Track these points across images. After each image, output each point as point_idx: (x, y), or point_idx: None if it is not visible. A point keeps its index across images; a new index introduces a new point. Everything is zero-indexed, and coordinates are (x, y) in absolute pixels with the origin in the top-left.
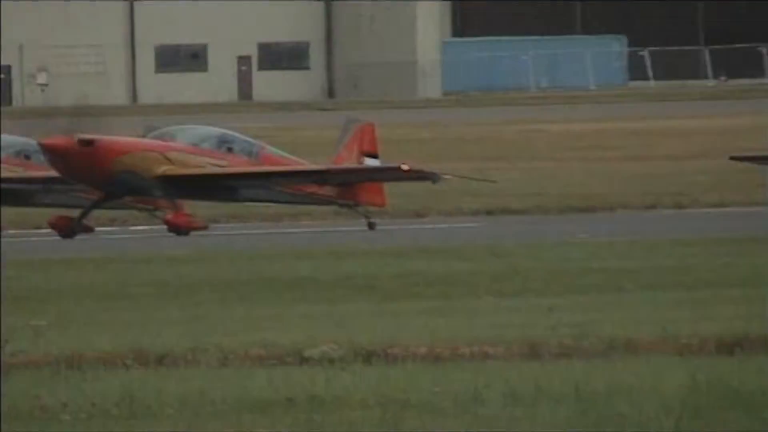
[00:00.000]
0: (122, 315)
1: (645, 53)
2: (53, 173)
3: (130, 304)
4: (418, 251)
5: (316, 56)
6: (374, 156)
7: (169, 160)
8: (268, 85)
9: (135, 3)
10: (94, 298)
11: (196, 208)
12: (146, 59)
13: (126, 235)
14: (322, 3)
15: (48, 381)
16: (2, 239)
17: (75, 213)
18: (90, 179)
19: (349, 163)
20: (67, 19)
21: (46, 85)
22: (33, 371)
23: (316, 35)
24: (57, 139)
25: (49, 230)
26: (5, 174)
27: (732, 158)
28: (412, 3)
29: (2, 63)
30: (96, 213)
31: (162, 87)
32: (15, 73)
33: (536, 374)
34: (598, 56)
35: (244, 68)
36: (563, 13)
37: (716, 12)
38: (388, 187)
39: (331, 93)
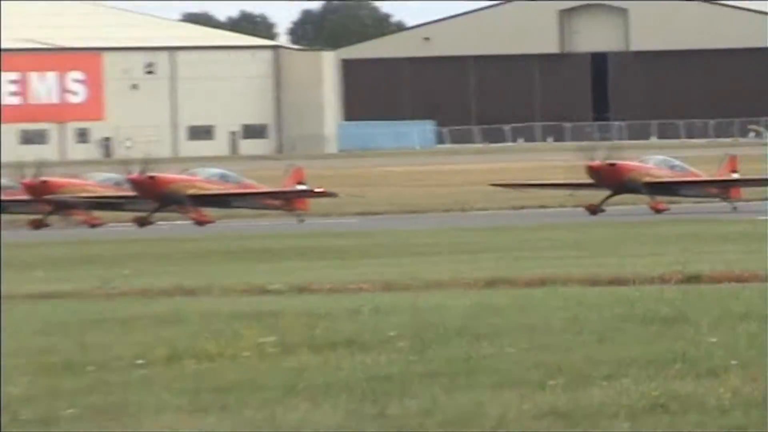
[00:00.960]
0: (167, 268)
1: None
2: (134, 193)
3: (177, 262)
4: (321, 234)
5: (272, 131)
6: (302, 183)
7: (195, 186)
8: (247, 146)
9: (178, 103)
10: (155, 259)
11: (208, 212)
12: (182, 134)
13: (173, 225)
14: (273, 103)
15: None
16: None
17: (145, 214)
18: (152, 197)
19: (289, 188)
20: (140, 112)
21: (130, 147)
22: (125, 298)
23: (271, 120)
24: (136, 176)
25: (131, 224)
26: (108, 194)
27: (491, 185)
28: (322, 104)
29: (108, 135)
30: (159, 214)
31: (190, 148)
32: (114, 140)
33: None
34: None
35: (234, 137)
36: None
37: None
38: (310, 201)
39: (279, 150)
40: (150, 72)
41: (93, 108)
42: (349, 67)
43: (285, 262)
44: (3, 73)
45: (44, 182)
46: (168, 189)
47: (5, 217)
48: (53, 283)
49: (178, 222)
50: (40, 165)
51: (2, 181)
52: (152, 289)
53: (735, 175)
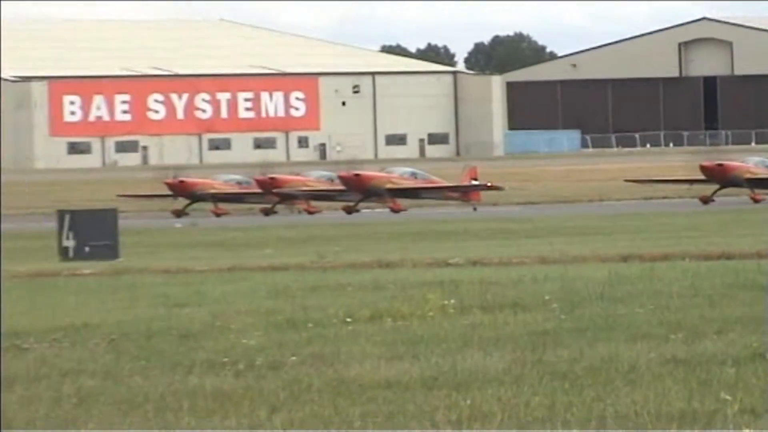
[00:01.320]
0: (382, 246)
1: (588, 137)
2: (343, 187)
3: (377, 241)
4: (500, 219)
5: (452, 138)
6: (476, 180)
7: (392, 182)
8: (431, 151)
9: (378, 118)
10: (363, 239)
11: (402, 202)
12: (381, 141)
13: (372, 212)
14: (453, 116)
15: (344, 273)
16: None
17: (352, 203)
18: (358, 190)
19: (466, 183)
20: (347, 124)
21: (340, 151)
22: (338, 270)
23: (451, 129)
24: (346, 173)
25: (341, 212)
26: (323, 188)
27: (625, 180)
28: (491, 115)
29: (323, 142)
30: (362, 203)
31: (388, 152)
32: (328, 146)
33: None
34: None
35: (422, 144)
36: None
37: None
38: (482, 193)
39: (458, 154)
40: (356, 92)
41: (311, 120)
42: (512, 88)
43: (463, 241)
44: (240, 93)
45: (273, 179)
46: (370, 184)
47: (242, 206)
48: (280, 258)
49: (378, 210)
50: (269, 165)
51: (239, 177)
52: (357, 263)
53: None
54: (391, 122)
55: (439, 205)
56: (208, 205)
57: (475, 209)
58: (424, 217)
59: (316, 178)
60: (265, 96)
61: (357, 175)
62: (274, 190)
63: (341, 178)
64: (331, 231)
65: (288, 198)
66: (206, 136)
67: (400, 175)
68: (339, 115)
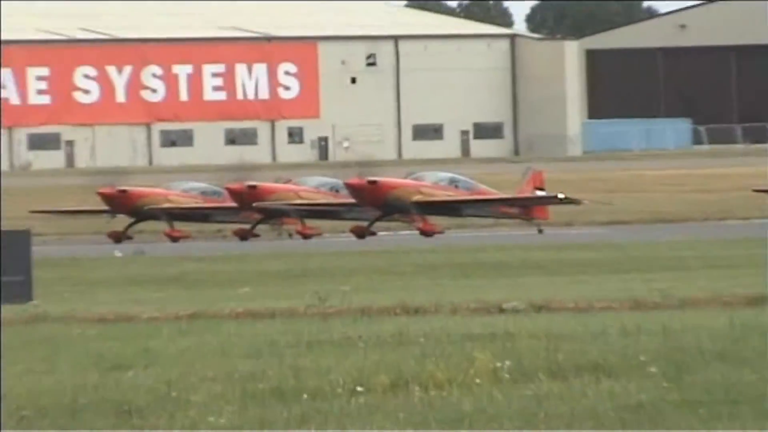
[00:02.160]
0: (394, 283)
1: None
2: (352, 200)
3: (398, 277)
4: (569, 246)
5: (508, 130)
6: (542, 189)
7: (421, 192)
8: (479, 148)
9: (401, 99)
10: (376, 274)
11: (436, 221)
12: (407, 133)
13: (395, 237)
14: (510, 99)
15: (351, 324)
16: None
17: (366, 223)
18: (374, 204)
19: (527, 194)
20: (359, 109)
21: (348, 148)
22: (342, 318)
23: (506, 118)
24: (355, 180)
25: (349, 234)
26: (323, 201)
27: (755, 191)
28: (564, 99)
29: (323, 135)
30: (377, 224)
31: (416, 149)
32: (330, 141)
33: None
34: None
35: (464, 138)
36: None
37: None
38: (551, 209)
39: (516, 152)
40: (371, 64)
41: (307, 104)
42: (594, 59)
43: (522, 277)
44: (207, 66)
45: (253, 187)
46: (391, 195)
47: (210, 226)
48: (262, 301)
49: (403, 232)
50: (247, 169)
51: (204, 186)
52: (373, 307)
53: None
54: (421, 107)
55: (490, 225)
56: (161, 226)
57: (540, 231)
58: (467, 243)
59: (314, 188)
60: (241, 70)
61: (372, 182)
62: (255, 204)
63: (350, 187)
64: (336, 262)
65: (274, 215)
66: (157, 127)
67: (433, 183)
68: (347, 96)
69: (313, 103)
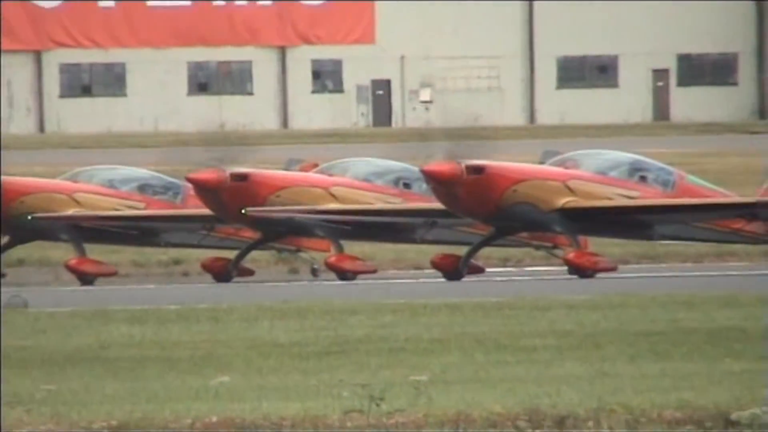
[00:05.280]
0: (515, 370)
1: None
2: (437, 205)
3: (525, 357)
4: None
5: (746, 69)
6: None
7: (572, 191)
8: (689, 103)
9: (535, 5)
10: (482, 349)
11: (602, 246)
12: (547, 72)
13: (521, 276)
14: (753, 4)
15: None
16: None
17: (463, 251)
18: (479, 212)
19: None
20: (455, 26)
21: (430, 102)
22: None
23: (745, 45)
24: (442, 166)
25: (431, 270)
26: (381, 206)
27: None
28: None
29: (382, 77)
30: (486, 251)
31: (564, 105)
32: (395, 88)
33: None
34: None
35: (660, 84)
36: None
37: None
38: None
39: (762, 113)
40: None
41: (349, 15)
42: None
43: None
44: None
45: (241, 178)
46: (513, 196)
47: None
48: (256, 400)
49: (537, 267)
50: (233, 140)
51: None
52: (473, 415)
53: None
54: (573, 24)
55: (707, 255)
56: (59, 251)
57: None
58: (663, 290)
59: (361, 180)
60: None
61: (476, 170)
62: (246, 211)
63: (433, 179)
64: (402, 327)
65: (283, 232)
66: (55, 56)
67: (597, 173)
68: (428, 4)
69: (364, 15)
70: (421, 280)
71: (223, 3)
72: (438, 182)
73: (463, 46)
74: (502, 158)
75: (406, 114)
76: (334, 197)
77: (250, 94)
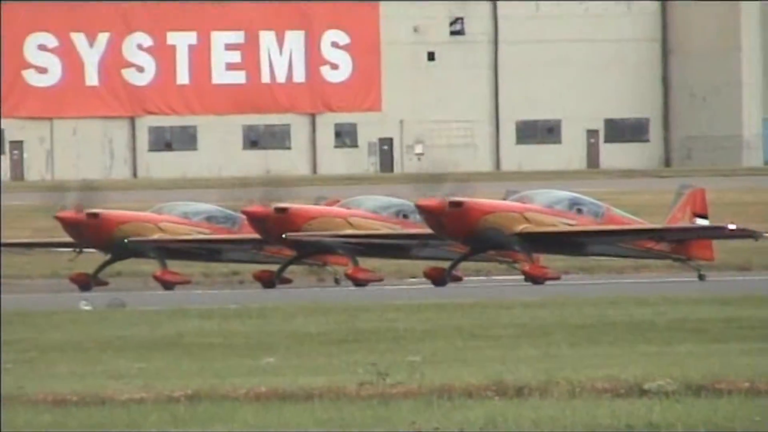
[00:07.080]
0: (486, 352)
1: None
2: (428, 230)
3: (493, 343)
4: (743, 300)
5: (656, 130)
6: (704, 217)
7: (527, 220)
8: (613, 155)
9: (500, 83)
10: (461, 337)
11: (550, 261)
12: (509, 132)
13: (490, 284)
14: (659, 82)
15: (422, 409)
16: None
17: (447, 264)
18: (459, 235)
19: (683, 223)
20: (440, 98)
21: (422, 154)
22: (410, 400)
23: (654, 112)
24: (431, 201)
25: (423, 279)
26: (386, 231)
27: None
28: (739, 85)
29: (387, 136)
30: (464, 264)
31: (522, 156)
32: (396, 144)
33: None
34: None
35: (592, 140)
36: None
37: None
38: (715, 243)
39: (667, 162)
40: (457, 32)
41: (363, 91)
42: None
43: (673, 344)
44: (217, 34)
45: (282, 211)
46: (484, 224)
47: (220, 267)
48: (294, 376)
49: (501, 277)
50: (276, 183)
51: (211, 208)
52: (455, 386)
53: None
54: (529, 96)
55: (627, 268)
56: (148, 266)
57: (701, 277)
58: (593, 294)
59: (371, 211)
60: (267, 39)
61: (457, 205)
62: (286, 236)
63: (424, 211)
64: (403, 321)
65: (314, 252)
66: (144, 122)
67: (545, 206)
68: (421, 80)
69: (372, 90)
70: (416, 286)
71: (268, 81)
72: (428, 213)
73: (446, 113)
74: (475, 196)
75: (404, 163)
76: (351, 225)
77: (289, 148)
